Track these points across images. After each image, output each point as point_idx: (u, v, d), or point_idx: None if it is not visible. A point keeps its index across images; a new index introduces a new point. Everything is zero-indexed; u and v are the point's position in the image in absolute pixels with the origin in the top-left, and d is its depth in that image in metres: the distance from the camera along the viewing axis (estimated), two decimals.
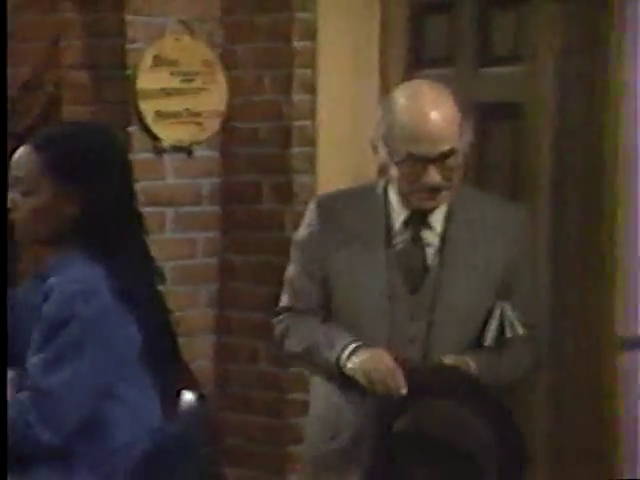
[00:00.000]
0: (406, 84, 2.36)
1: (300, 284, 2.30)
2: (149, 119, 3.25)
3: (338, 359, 2.18)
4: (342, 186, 2.65)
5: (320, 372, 2.33)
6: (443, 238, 2.24)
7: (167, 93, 3.28)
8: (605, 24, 2.91)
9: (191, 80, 3.30)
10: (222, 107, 3.33)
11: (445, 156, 2.13)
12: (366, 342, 2.18)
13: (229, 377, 3.43)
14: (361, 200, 2.27)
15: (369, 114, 2.82)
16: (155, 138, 3.27)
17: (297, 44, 3.22)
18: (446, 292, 2.23)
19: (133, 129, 3.24)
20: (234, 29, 3.34)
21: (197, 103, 3.31)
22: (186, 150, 3.32)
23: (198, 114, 3.31)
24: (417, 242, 2.23)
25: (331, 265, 2.25)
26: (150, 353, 2.04)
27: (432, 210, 2.22)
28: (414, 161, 2.14)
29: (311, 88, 3.27)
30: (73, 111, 3.34)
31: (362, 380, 2.15)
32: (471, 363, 2.14)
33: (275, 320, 2.34)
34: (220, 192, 3.42)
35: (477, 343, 2.23)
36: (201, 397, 2.37)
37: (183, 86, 3.29)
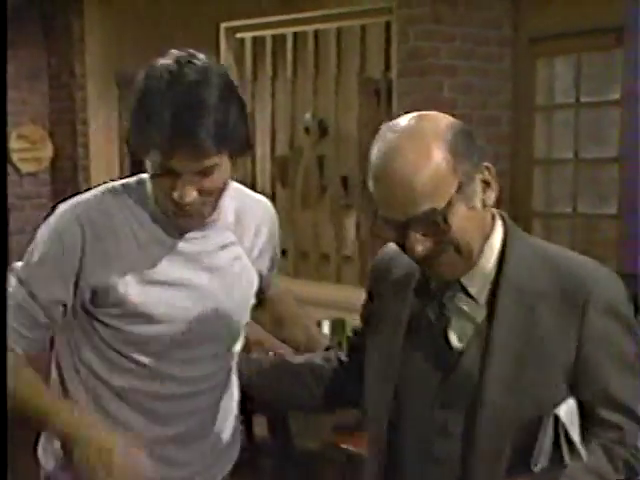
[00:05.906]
0: (385, 127, 1.64)
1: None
2: (15, 160, 6.95)
3: None
4: None
5: None
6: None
7: (23, 149, 6.95)
8: None
9: (35, 144, 7.01)
10: (49, 155, 7.09)
11: (422, 218, 1.56)
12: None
13: None
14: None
15: None
16: (18, 169, 7.00)
17: (80, 127, 7.11)
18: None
19: (9, 165, 6.96)
20: (54, 120, 7.16)
21: (38, 153, 7.03)
22: (33, 174, 7.10)
23: (39, 158, 7.05)
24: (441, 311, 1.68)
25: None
26: None
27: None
28: (387, 224, 1.62)
29: (86, 143, 7.09)
30: None
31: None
32: None
33: None
34: (51, 192, 7.17)
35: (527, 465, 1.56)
36: None
37: (31, 146, 6.99)
